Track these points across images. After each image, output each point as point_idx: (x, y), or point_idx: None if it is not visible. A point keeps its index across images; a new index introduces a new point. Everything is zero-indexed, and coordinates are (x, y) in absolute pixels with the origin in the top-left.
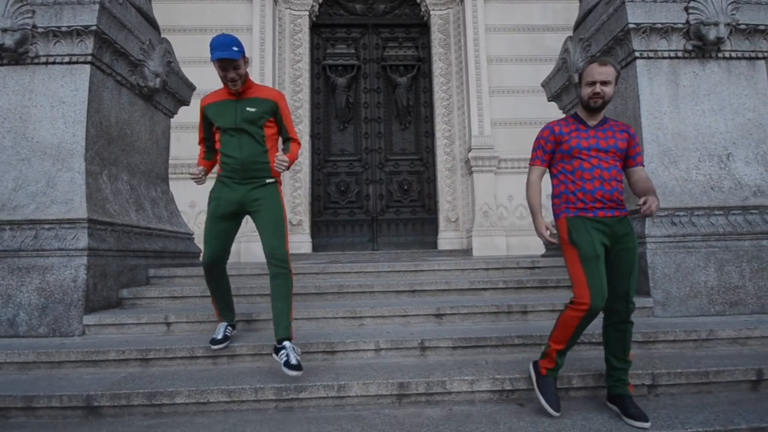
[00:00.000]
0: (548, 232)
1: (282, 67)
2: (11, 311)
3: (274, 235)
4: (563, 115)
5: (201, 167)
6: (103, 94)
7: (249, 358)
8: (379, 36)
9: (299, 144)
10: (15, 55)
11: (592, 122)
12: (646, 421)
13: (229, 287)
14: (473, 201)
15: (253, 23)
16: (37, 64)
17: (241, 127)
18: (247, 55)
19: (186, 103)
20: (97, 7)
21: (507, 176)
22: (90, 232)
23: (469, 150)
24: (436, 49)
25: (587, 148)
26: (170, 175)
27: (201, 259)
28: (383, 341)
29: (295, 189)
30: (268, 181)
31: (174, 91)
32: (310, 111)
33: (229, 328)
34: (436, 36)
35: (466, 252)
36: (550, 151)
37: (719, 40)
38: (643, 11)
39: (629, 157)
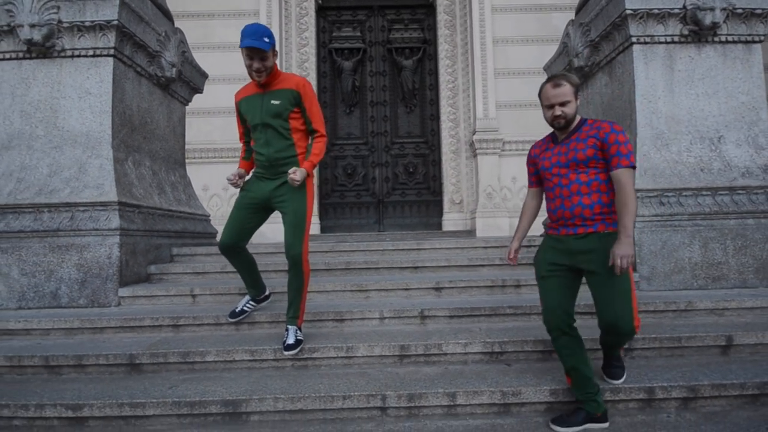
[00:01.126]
0: (511, 254)
1: (289, 52)
2: (54, 285)
3: (292, 234)
4: None
5: (239, 170)
6: (125, 85)
7: (267, 325)
8: (385, 18)
9: (324, 138)
10: (43, 49)
11: (561, 136)
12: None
13: (251, 264)
14: (477, 183)
15: (259, 7)
16: (64, 57)
17: (267, 122)
18: None
19: (199, 90)
20: (117, 2)
21: (511, 158)
22: (120, 213)
23: (474, 132)
24: (442, 31)
25: (550, 167)
26: (187, 159)
27: (220, 242)
28: (387, 311)
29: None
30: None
31: (188, 79)
32: (317, 95)
33: (250, 303)
34: (441, 17)
35: (470, 233)
36: (534, 173)
37: (715, 25)
38: None
39: (607, 160)
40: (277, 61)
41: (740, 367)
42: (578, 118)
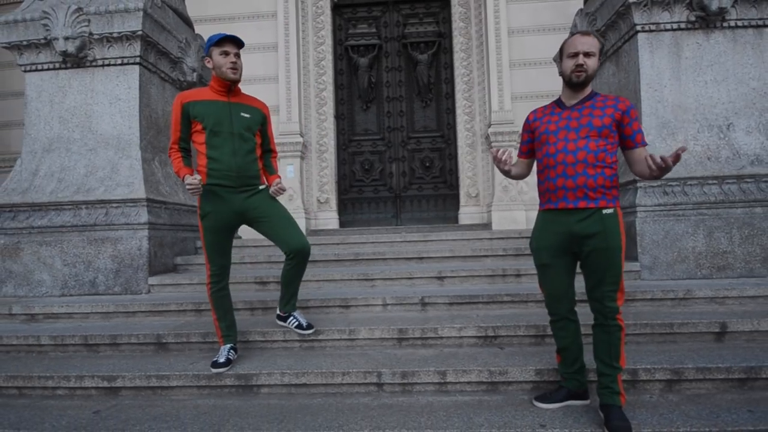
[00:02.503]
0: (502, 152)
1: (306, 51)
2: (92, 274)
3: (294, 231)
4: None
5: (197, 176)
6: (151, 90)
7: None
8: (400, 13)
9: (276, 155)
10: (76, 60)
11: (570, 102)
12: None
13: (231, 307)
14: (493, 176)
15: (277, 8)
16: (95, 66)
17: (239, 133)
18: (272, 40)
19: None
20: (141, 13)
21: None
22: (149, 209)
23: (489, 125)
24: (457, 24)
25: (555, 131)
26: None
27: (207, 277)
28: (389, 298)
29: (322, 168)
30: (261, 187)
31: (208, 82)
32: (334, 92)
33: (232, 351)
34: (456, 10)
35: (486, 226)
36: (528, 141)
37: (722, 10)
38: None
39: (625, 137)
40: (295, 61)
41: (732, 352)
42: (589, 87)
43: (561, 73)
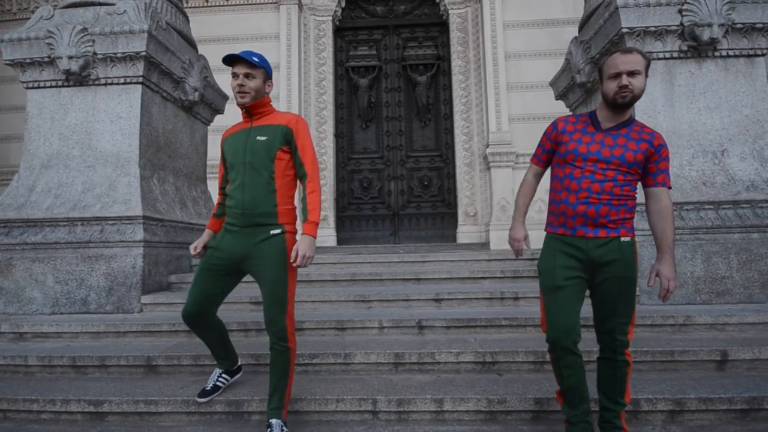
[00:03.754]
0: (521, 243)
1: (307, 71)
2: (84, 292)
3: (272, 306)
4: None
5: (202, 239)
6: (152, 109)
7: None
8: (400, 36)
9: (318, 187)
10: (79, 78)
11: (607, 124)
12: None
13: (222, 333)
14: (491, 196)
15: (280, 30)
16: (98, 85)
17: (248, 161)
18: (274, 60)
19: (221, 111)
20: (145, 35)
21: (525, 171)
22: (145, 227)
23: (487, 146)
24: (455, 48)
25: (584, 155)
26: (208, 175)
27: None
28: (386, 321)
29: (321, 186)
30: (273, 232)
31: (210, 102)
32: (334, 111)
33: (223, 376)
34: (454, 34)
35: (484, 245)
36: (549, 151)
37: (714, 41)
38: (636, 16)
39: (648, 173)
40: (296, 81)
41: (734, 382)
42: (630, 111)
43: (603, 95)
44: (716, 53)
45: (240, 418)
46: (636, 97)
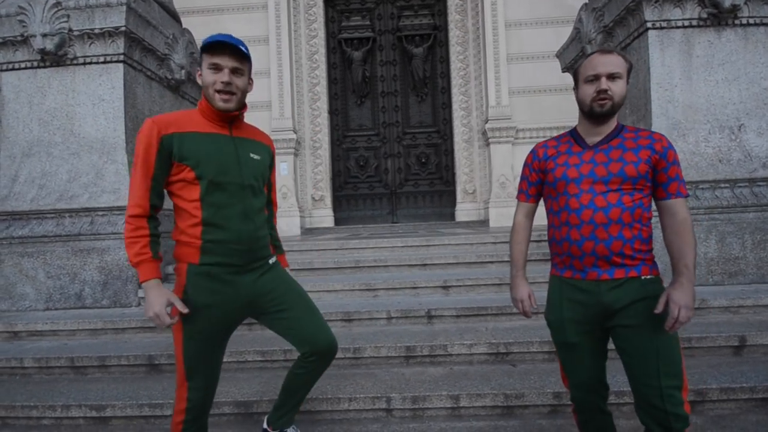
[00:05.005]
0: (526, 303)
1: (298, 44)
2: (78, 287)
3: (321, 320)
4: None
5: (174, 299)
6: (137, 90)
7: None
8: (394, 5)
9: (277, 209)
10: (56, 58)
11: (592, 139)
12: None
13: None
14: (490, 172)
15: (267, 0)
16: (76, 65)
17: (250, 184)
18: (263, 33)
19: None
20: (124, 8)
21: (525, 146)
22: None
23: (486, 121)
24: (453, 16)
25: (576, 179)
26: None
27: (178, 411)
28: (394, 311)
29: (316, 165)
30: (271, 261)
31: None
32: (328, 87)
33: None
34: (452, 2)
35: (483, 223)
36: (537, 183)
37: (735, 7)
38: None
39: (659, 183)
40: (287, 55)
41: (753, 368)
42: (615, 119)
43: (578, 102)
44: (737, 21)
45: (249, 419)
46: (616, 106)
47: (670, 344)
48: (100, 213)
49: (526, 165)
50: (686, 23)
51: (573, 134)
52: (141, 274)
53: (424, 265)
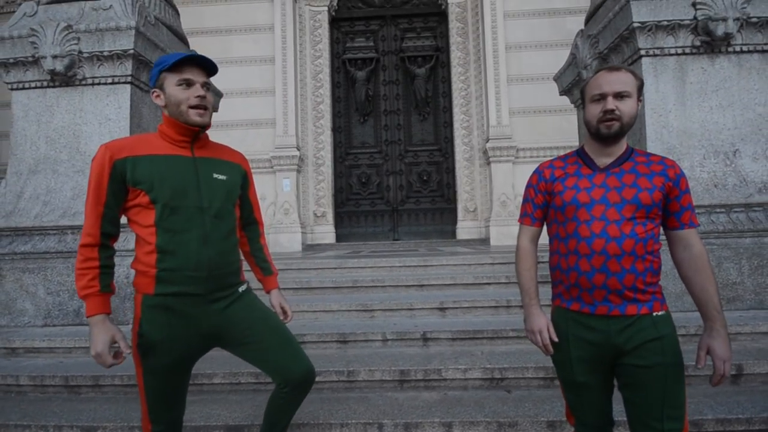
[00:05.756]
0: (545, 334)
1: (303, 64)
2: (77, 303)
3: (296, 348)
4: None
5: (120, 337)
6: (143, 110)
7: None
8: (398, 27)
9: (263, 226)
10: (65, 78)
11: (603, 160)
12: None
13: None
14: (491, 191)
15: (274, 21)
16: (85, 85)
17: (213, 206)
18: (269, 53)
19: (214, 110)
20: (133, 32)
21: (525, 166)
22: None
23: (487, 140)
24: (454, 39)
25: (588, 205)
26: None
27: None
28: (390, 333)
29: (319, 182)
30: (241, 289)
31: None
32: (331, 105)
33: None
34: (453, 25)
35: (484, 241)
36: (542, 205)
37: (728, 36)
38: (648, 9)
39: (671, 213)
40: (292, 74)
41: (749, 398)
42: (625, 141)
43: (585, 122)
44: (729, 49)
45: None
46: (626, 126)
47: (678, 387)
48: None
49: (530, 186)
50: (679, 51)
51: (581, 154)
52: (87, 309)
53: (421, 285)
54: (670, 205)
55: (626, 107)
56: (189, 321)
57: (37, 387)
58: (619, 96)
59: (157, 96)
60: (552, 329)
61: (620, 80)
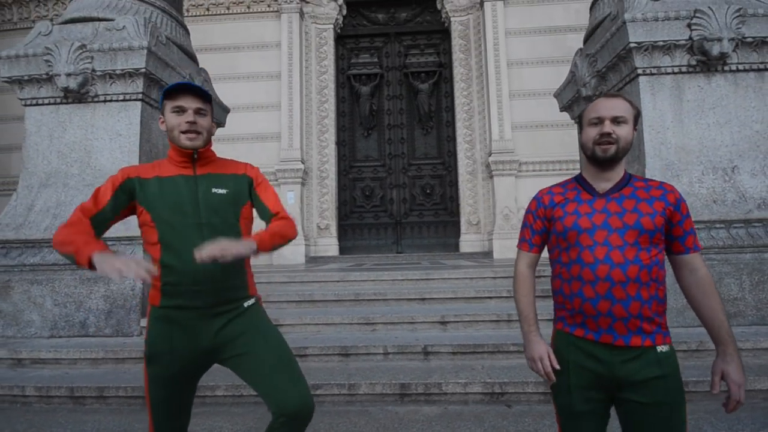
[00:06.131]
0: (545, 362)
1: (309, 79)
2: (83, 315)
3: (290, 379)
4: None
5: (137, 260)
6: (152, 126)
7: None
8: (401, 44)
9: (288, 220)
10: (78, 95)
11: (602, 185)
12: None
13: None
14: (494, 204)
15: (281, 39)
16: (97, 102)
17: (209, 220)
18: (275, 69)
19: (222, 125)
20: (145, 51)
21: (528, 179)
22: (144, 247)
23: (490, 154)
24: (457, 55)
25: (590, 230)
26: None
27: None
28: (391, 346)
29: (323, 194)
30: (246, 304)
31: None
32: (336, 119)
33: None
34: (456, 42)
35: (487, 254)
36: (541, 231)
37: (723, 55)
38: (645, 30)
39: (674, 237)
40: (298, 89)
41: (750, 415)
42: (622, 166)
43: (582, 146)
44: (726, 67)
45: None
46: (621, 151)
47: (680, 425)
48: (110, 242)
49: (529, 212)
50: (676, 70)
51: (579, 181)
52: (81, 256)
53: (423, 299)
54: (673, 230)
55: (623, 132)
56: (190, 334)
57: (42, 398)
58: (616, 121)
59: (162, 122)
60: (553, 356)
61: (618, 107)
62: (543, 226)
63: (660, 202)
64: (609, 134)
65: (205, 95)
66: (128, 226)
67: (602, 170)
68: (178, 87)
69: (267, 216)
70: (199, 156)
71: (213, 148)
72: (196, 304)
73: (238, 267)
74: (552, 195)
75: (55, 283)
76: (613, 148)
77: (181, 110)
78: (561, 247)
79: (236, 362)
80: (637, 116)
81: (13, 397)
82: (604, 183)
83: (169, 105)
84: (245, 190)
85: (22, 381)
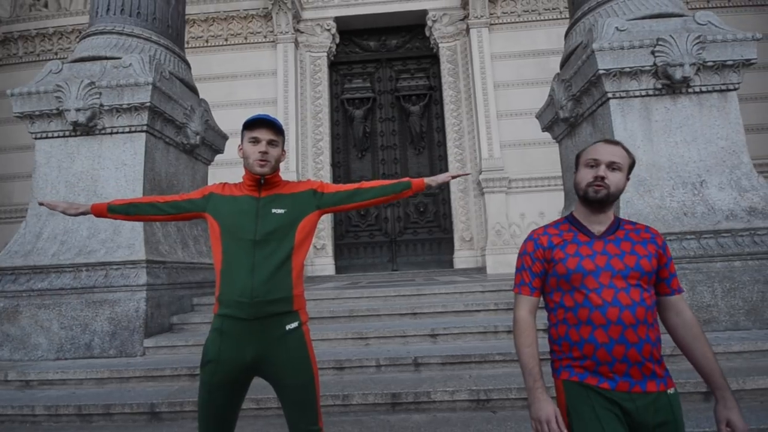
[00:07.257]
0: (553, 425)
1: (304, 105)
2: (88, 337)
3: (305, 414)
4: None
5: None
6: (156, 155)
7: None
8: (392, 69)
9: (367, 184)
10: (86, 128)
11: (596, 228)
12: None
13: None
14: (486, 220)
15: (277, 67)
16: (104, 134)
17: (263, 238)
18: (272, 95)
19: (220, 151)
20: (150, 87)
21: (518, 195)
22: (148, 270)
23: (480, 172)
24: (446, 78)
25: (594, 272)
26: None
27: None
28: (383, 359)
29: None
30: (289, 327)
31: (211, 143)
32: (330, 142)
33: None
34: (445, 66)
35: (481, 270)
36: (540, 273)
37: (686, 79)
38: (612, 58)
39: (661, 279)
40: (293, 114)
41: None
42: (612, 210)
43: (575, 185)
44: (690, 89)
45: None
46: (611, 196)
47: None
48: (115, 267)
49: (526, 254)
50: (643, 93)
51: (572, 222)
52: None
53: (414, 314)
54: (660, 272)
55: (616, 178)
56: (235, 345)
57: (51, 416)
58: (612, 166)
59: (240, 149)
60: (561, 419)
61: (615, 153)
62: (542, 268)
63: (651, 244)
64: (603, 178)
65: (278, 128)
66: (132, 251)
67: (594, 212)
68: (256, 120)
69: (347, 194)
70: (265, 181)
71: (213, 172)
72: (240, 314)
73: (284, 282)
74: (549, 236)
75: (62, 306)
76: (604, 192)
77: (256, 141)
78: (564, 290)
79: (271, 381)
80: (632, 165)
81: (23, 416)
82: (597, 225)
83: (247, 135)
84: (305, 204)
85: (31, 401)
